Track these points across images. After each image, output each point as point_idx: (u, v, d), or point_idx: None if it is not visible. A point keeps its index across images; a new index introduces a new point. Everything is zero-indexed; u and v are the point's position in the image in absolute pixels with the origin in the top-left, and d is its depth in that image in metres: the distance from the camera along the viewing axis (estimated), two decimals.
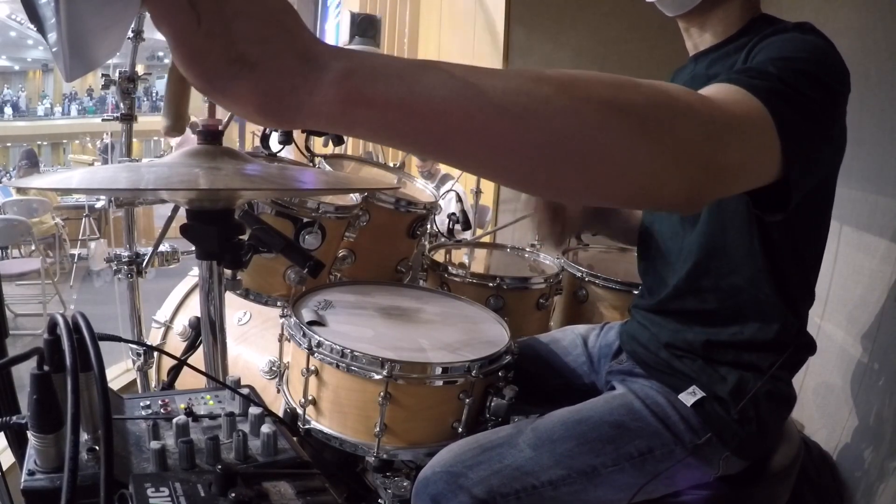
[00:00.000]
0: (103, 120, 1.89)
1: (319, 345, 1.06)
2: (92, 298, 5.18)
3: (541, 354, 1.25)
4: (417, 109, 0.42)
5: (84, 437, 0.59)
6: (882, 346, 1.31)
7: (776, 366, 0.93)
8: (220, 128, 0.83)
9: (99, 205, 5.54)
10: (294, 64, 0.41)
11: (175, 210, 1.48)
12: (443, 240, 1.83)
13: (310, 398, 1.11)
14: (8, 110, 16.68)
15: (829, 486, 1.32)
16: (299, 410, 1.13)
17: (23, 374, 0.58)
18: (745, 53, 0.86)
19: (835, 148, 0.82)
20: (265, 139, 1.52)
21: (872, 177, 1.38)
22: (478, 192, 2.55)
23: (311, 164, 1.59)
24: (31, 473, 0.56)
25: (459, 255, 1.80)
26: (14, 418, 0.59)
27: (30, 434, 0.55)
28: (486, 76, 0.44)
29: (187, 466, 0.60)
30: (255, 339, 1.58)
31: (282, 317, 1.21)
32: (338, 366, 1.05)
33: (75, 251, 5.97)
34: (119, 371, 2.40)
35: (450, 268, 1.52)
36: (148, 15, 0.40)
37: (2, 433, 0.90)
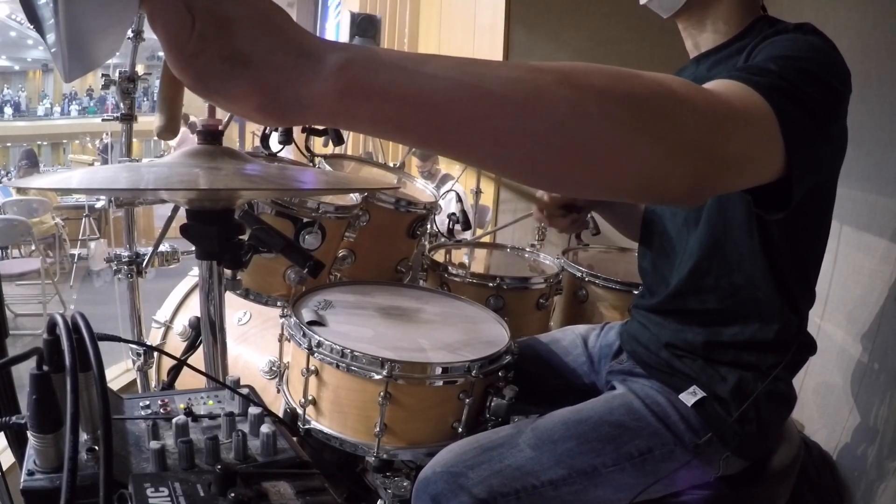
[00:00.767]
0: (103, 120, 1.89)
1: (319, 345, 1.06)
2: (92, 298, 5.18)
3: (541, 354, 1.25)
4: (417, 100, 0.42)
5: (83, 437, 0.59)
6: (882, 346, 1.31)
7: (776, 365, 0.93)
8: (220, 128, 0.83)
9: (99, 205, 5.53)
10: (289, 59, 0.41)
11: (175, 210, 1.48)
12: (443, 240, 1.83)
13: (310, 398, 1.11)
14: (8, 110, 16.68)
15: (829, 486, 1.32)
16: (299, 410, 1.13)
17: (23, 374, 0.58)
18: (745, 55, 0.86)
19: (836, 148, 0.82)
20: (265, 139, 1.52)
21: (872, 177, 1.38)
22: (478, 192, 2.55)
23: (311, 164, 1.59)
24: (30, 473, 0.56)
25: (459, 255, 1.80)
26: (14, 418, 0.59)
27: (29, 434, 0.55)
28: (486, 67, 0.44)
29: (187, 466, 0.60)
30: (255, 339, 1.58)
31: (282, 317, 1.21)
32: (338, 366, 1.05)
33: (75, 251, 5.97)
34: (119, 371, 2.40)
35: (450, 268, 1.52)
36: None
37: (2, 433, 0.90)
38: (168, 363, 1.71)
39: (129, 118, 1.67)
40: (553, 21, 2.57)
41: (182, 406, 0.71)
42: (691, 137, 0.49)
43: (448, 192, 2.29)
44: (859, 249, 1.42)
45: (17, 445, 0.89)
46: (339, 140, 1.59)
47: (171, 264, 1.71)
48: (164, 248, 1.67)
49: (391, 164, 1.94)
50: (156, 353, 1.74)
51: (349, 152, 2.00)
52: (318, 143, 1.73)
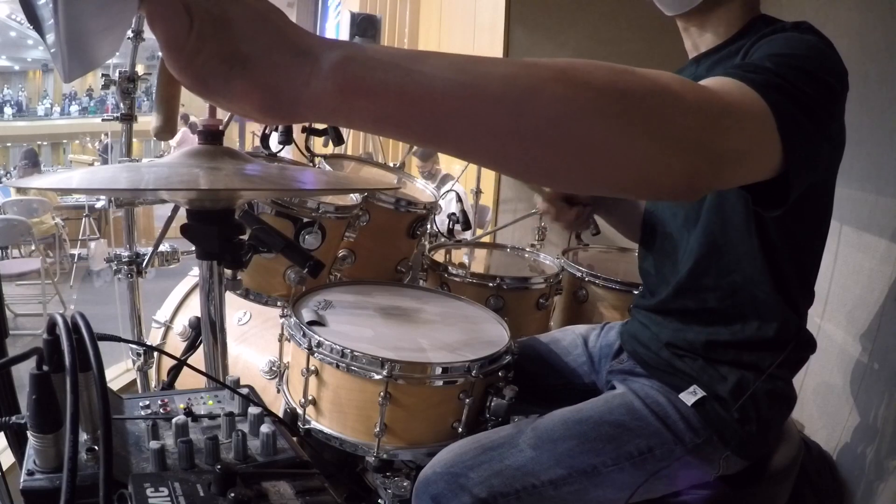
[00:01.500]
0: (103, 120, 1.89)
1: (319, 345, 1.06)
2: (92, 298, 5.17)
3: (541, 354, 1.25)
4: (415, 97, 0.43)
5: (83, 437, 0.59)
6: (882, 346, 1.31)
7: (776, 364, 0.93)
8: (221, 128, 0.83)
9: (99, 205, 5.52)
10: (286, 57, 0.41)
11: (175, 210, 1.48)
12: (443, 240, 1.83)
13: (310, 398, 1.11)
14: (8, 110, 16.68)
15: (829, 486, 1.32)
16: (299, 410, 1.13)
17: (23, 374, 0.58)
18: (742, 54, 0.86)
19: (834, 146, 0.82)
20: (265, 139, 1.52)
21: (872, 177, 1.38)
22: (478, 192, 2.55)
23: (311, 164, 1.59)
24: (30, 473, 0.56)
25: (459, 255, 1.80)
26: (14, 418, 0.59)
27: (29, 434, 0.55)
28: (483, 64, 0.44)
29: (186, 466, 0.60)
30: (255, 339, 1.58)
31: (282, 317, 1.21)
32: (338, 366, 1.05)
33: (75, 251, 5.96)
34: (119, 371, 2.40)
35: (450, 268, 1.52)
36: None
37: (2, 433, 0.90)
38: (168, 363, 1.71)
39: (129, 118, 1.67)
40: (553, 21, 2.57)
41: (182, 406, 0.71)
42: (687, 133, 0.49)
43: (448, 192, 2.29)
44: (859, 249, 1.42)
45: (17, 445, 0.90)
46: (339, 140, 1.59)
47: (171, 264, 1.71)
48: (164, 248, 1.67)
49: (391, 164, 1.94)
50: (156, 353, 1.75)
51: (349, 152, 2.00)
52: (318, 143, 1.73)
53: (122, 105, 1.66)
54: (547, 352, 1.25)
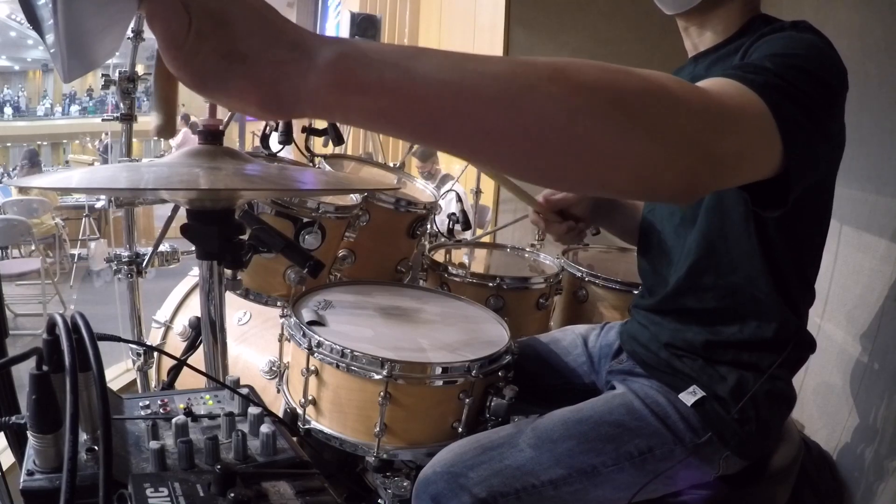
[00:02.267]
0: (103, 120, 1.89)
1: (319, 345, 1.06)
2: (92, 298, 5.17)
3: (541, 354, 1.25)
4: (411, 95, 0.43)
5: (83, 437, 0.59)
6: (882, 346, 1.31)
7: (776, 364, 0.93)
8: (221, 128, 0.83)
9: (99, 205, 5.53)
10: (284, 52, 0.41)
11: (175, 210, 1.48)
12: (443, 240, 1.83)
13: (310, 398, 1.11)
14: (8, 110, 16.68)
15: (829, 486, 1.32)
16: (299, 410, 1.13)
17: (23, 374, 0.58)
18: (741, 54, 0.86)
19: (833, 146, 0.81)
20: (265, 139, 1.52)
21: (872, 177, 1.38)
22: (478, 192, 2.55)
23: (311, 164, 1.59)
24: (30, 473, 0.56)
25: (459, 255, 1.80)
26: (13, 418, 0.59)
27: (29, 434, 0.55)
28: (479, 62, 0.44)
29: (186, 466, 0.60)
30: (255, 339, 1.58)
31: (282, 317, 1.21)
32: (338, 366, 1.05)
33: (75, 251, 5.96)
34: (119, 371, 2.40)
35: (450, 268, 1.52)
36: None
37: (1, 433, 0.90)
38: (168, 363, 1.71)
39: (129, 118, 1.67)
40: (553, 21, 2.57)
41: (182, 406, 0.71)
42: (685, 135, 0.49)
43: (448, 192, 2.29)
44: (859, 249, 1.42)
45: (17, 445, 0.90)
46: (339, 140, 1.59)
47: (171, 264, 1.71)
48: (164, 248, 1.67)
49: (391, 164, 1.94)
50: (156, 353, 1.75)
51: (349, 152, 2.00)
52: (318, 143, 1.73)
53: (122, 105, 1.66)
54: (547, 352, 1.25)
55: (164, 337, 1.79)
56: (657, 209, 1.11)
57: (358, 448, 1.08)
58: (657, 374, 1.03)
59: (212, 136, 0.81)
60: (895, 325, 1.27)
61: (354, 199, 1.41)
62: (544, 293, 1.54)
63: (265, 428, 0.65)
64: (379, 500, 1.10)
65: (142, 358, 1.73)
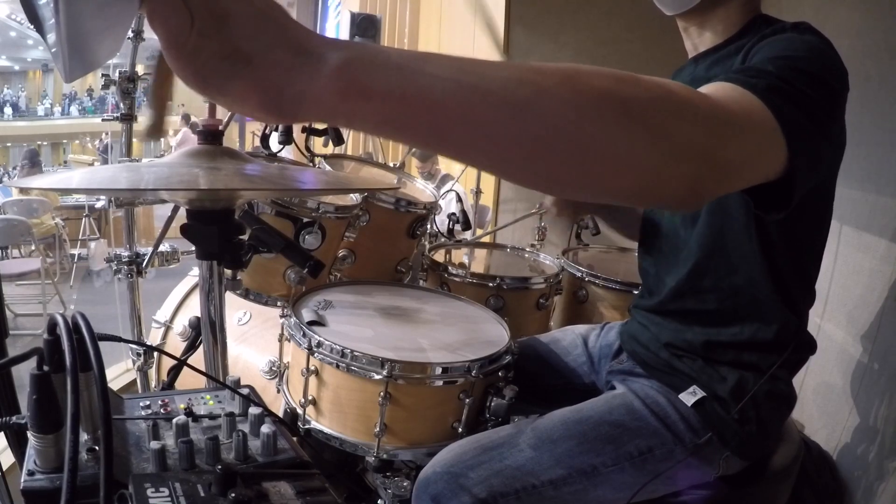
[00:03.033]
0: (103, 120, 1.89)
1: (319, 345, 1.06)
2: (92, 298, 5.17)
3: (541, 354, 1.25)
4: (417, 101, 0.42)
5: (84, 437, 0.59)
6: (882, 346, 1.31)
7: (776, 365, 0.93)
8: (221, 128, 0.83)
9: (99, 205, 5.53)
10: (288, 56, 0.41)
11: (175, 210, 1.48)
12: (443, 240, 1.83)
13: (310, 398, 1.11)
14: (8, 110, 16.68)
15: (829, 486, 1.32)
16: (299, 410, 1.13)
17: (23, 374, 0.58)
18: (742, 55, 0.86)
19: (835, 147, 0.82)
20: (265, 139, 1.52)
21: (872, 177, 1.38)
22: (478, 192, 2.55)
23: (311, 164, 1.59)
24: (30, 473, 0.56)
25: (459, 255, 1.80)
26: (14, 418, 0.59)
27: (29, 434, 0.55)
28: (486, 67, 0.44)
29: (187, 466, 0.60)
30: (255, 339, 1.58)
31: (282, 317, 1.21)
32: (338, 366, 1.05)
33: (75, 251, 5.96)
34: (119, 371, 2.40)
35: (450, 268, 1.52)
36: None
37: (2, 433, 0.90)
38: (168, 363, 1.71)
39: (129, 118, 1.67)
40: (553, 21, 2.57)
41: (182, 406, 0.71)
42: (690, 142, 0.49)
43: (448, 192, 2.29)
44: (859, 249, 1.42)
45: (18, 445, 0.90)
46: (339, 140, 1.59)
47: (171, 264, 1.71)
48: (164, 248, 1.67)
49: (391, 164, 1.94)
50: (156, 353, 1.75)
51: (349, 152, 2.00)
52: (318, 143, 1.73)
53: (122, 105, 1.66)
54: (547, 352, 1.25)
55: (164, 337, 1.79)
56: (658, 209, 1.11)
57: (358, 448, 1.08)
58: (657, 374, 1.03)
59: (212, 136, 0.81)
60: (895, 325, 1.27)
61: (354, 199, 1.41)
62: (544, 293, 1.54)
63: (265, 428, 0.65)
64: (379, 500, 1.10)
65: (142, 358, 1.73)
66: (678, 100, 0.49)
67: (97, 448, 0.58)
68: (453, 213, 1.85)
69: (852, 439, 1.35)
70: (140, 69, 1.63)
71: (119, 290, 1.83)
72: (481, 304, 1.39)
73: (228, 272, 1.13)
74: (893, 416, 1.23)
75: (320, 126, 1.60)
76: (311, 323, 1.12)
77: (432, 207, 1.58)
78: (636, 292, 1.24)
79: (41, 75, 17.55)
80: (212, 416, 0.70)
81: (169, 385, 1.17)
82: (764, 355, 0.94)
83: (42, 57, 16.80)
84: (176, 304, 1.81)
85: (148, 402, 0.72)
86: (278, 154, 1.52)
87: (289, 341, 1.18)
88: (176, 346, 1.71)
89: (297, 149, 1.60)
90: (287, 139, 1.50)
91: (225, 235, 0.84)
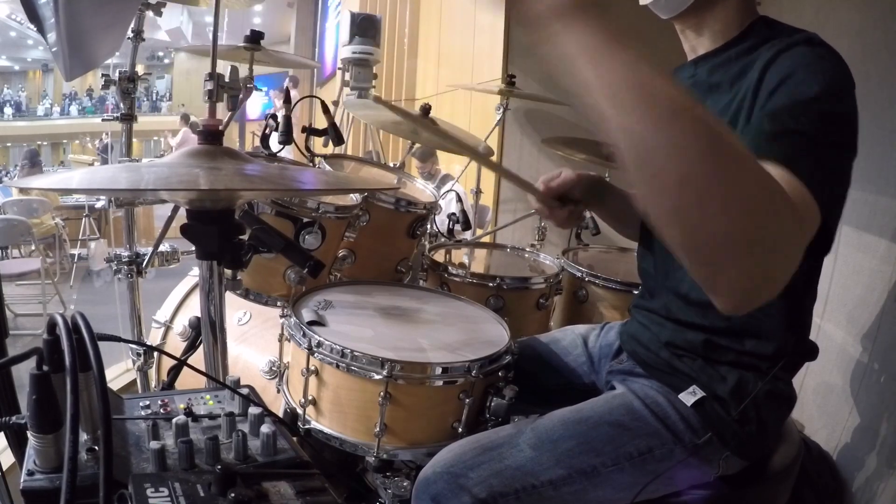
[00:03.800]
0: (103, 120, 1.89)
1: (319, 345, 1.06)
2: (92, 298, 5.17)
3: (541, 354, 1.25)
4: (621, 75, 0.54)
5: (83, 437, 0.59)
6: (882, 346, 1.31)
7: (776, 366, 0.93)
8: (221, 128, 0.83)
9: (99, 205, 5.53)
10: None
11: (175, 210, 1.48)
12: (443, 240, 1.83)
13: (310, 398, 1.11)
14: (8, 110, 16.68)
15: (829, 486, 1.32)
16: (299, 410, 1.13)
17: (23, 374, 0.58)
18: (757, 71, 0.83)
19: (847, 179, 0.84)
20: (265, 139, 1.52)
21: (872, 177, 1.38)
22: (478, 192, 2.55)
23: (311, 164, 1.59)
24: (30, 473, 0.56)
25: (459, 255, 1.80)
26: (14, 418, 0.59)
27: (29, 434, 0.55)
28: (722, 127, 0.53)
29: (187, 466, 0.60)
30: (255, 339, 1.58)
31: (282, 317, 1.21)
32: (338, 366, 1.05)
33: (75, 251, 5.96)
34: (119, 371, 2.40)
35: (450, 268, 1.52)
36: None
37: (2, 433, 0.90)
38: (168, 363, 1.71)
39: (129, 118, 1.67)
40: None
41: (182, 406, 0.71)
42: (783, 245, 0.57)
43: (448, 192, 2.29)
44: (859, 249, 1.42)
45: (17, 445, 0.90)
46: (339, 140, 1.59)
47: (171, 264, 1.72)
48: (164, 248, 1.67)
49: (391, 164, 1.94)
50: (156, 353, 1.75)
51: (349, 152, 2.00)
52: (318, 143, 1.73)
53: (122, 105, 1.66)
54: (547, 352, 1.25)
55: (164, 337, 1.79)
56: None
57: (358, 448, 1.08)
58: (657, 374, 1.02)
59: (212, 136, 0.81)
60: (895, 326, 1.27)
61: (354, 199, 1.41)
62: (544, 293, 1.54)
63: (265, 428, 0.65)
64: (379, 500, 1.10)
65: (142, 358, 1.73)
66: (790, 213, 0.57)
67: (97, 448, 0.58)
68: (453, 213, 1.85)
69: (852, 439, 1.35)
70: (140, 69, 1.63)
71: (119, 290, 1.83)
72: (481, 304, 1.39)
73: (228, 272, 1.13)
74: (893, 416, 1.23)
75: (320, 126, 1.60)
76: (311, 323, 1.12)
77: (432, 207, 1.58)
78: (636, 292, 1.24)
79: (41, 75, 17.55)
80: (211, 416, 0.70)
81: (169, 385, 1.17)
82: (764, 356, 0.94)
83: (42, 57, 16.79)
84: (176, 304, 1.81)
85: (148, 402, 0.72)
86: (278, 154, 1.52)
87: (289, 341, 1.18)
88: (176, 346, 1.71)
89: (297, 149, 1.60)
90: (287, 139, 1.50)
91: (225, 235, 0.84)
